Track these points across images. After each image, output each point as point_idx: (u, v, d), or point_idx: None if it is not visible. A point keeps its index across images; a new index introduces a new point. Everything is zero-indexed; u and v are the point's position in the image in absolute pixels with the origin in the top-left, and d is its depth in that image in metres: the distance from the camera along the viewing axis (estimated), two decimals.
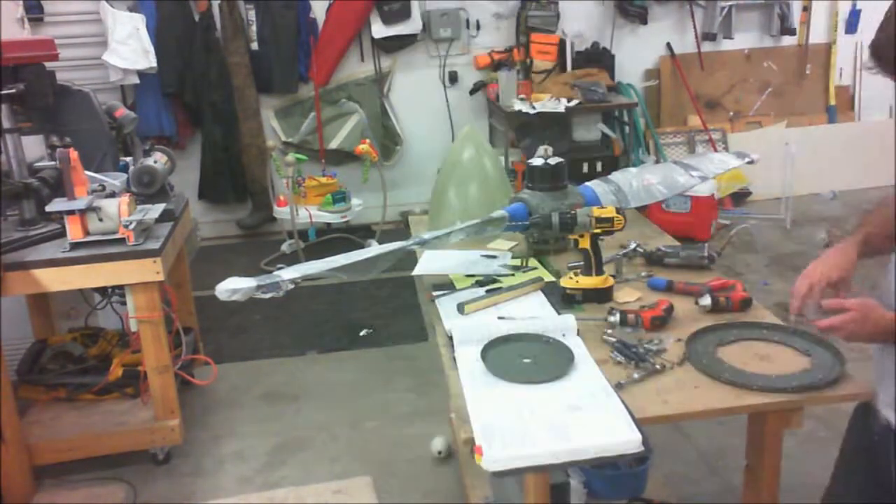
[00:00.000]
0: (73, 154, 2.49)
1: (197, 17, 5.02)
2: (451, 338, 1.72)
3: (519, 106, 4.88)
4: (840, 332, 1.42)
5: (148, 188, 2.87)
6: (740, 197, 5.61)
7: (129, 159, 2.99)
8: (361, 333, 3.95)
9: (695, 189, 2.68)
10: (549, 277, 2.03)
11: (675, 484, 2.61)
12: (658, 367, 1.58)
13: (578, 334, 1.72)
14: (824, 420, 2.83)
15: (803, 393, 1.48)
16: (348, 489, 2.68)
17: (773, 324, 1.75)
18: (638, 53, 5.71)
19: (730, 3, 5.65)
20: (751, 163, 2.33)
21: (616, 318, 1.76)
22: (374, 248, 1.86)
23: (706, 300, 1.82)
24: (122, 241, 2.56)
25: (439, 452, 2.82)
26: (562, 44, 5.33)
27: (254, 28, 5.14)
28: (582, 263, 1.91)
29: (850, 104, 6.09)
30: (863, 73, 5.99)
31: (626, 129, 5.50)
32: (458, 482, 2.66)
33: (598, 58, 5.42)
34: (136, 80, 4.90)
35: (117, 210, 2.54)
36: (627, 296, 1.92)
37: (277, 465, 2.89)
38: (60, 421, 2.84)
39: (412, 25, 5.26)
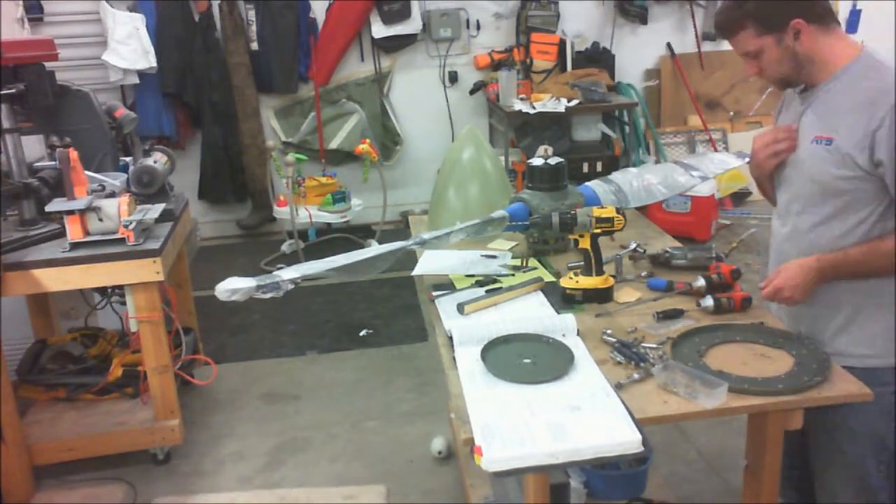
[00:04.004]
0: (73, 154, 2.49)
1: (197, 17, 5.03)
2: (451, 338, 1.72)
3: (519, 106, 4.88)
4: (783, 294, 1.69)
5: (148, 188, 2.87)
6: (740, 197, 5.60)
7: (129, 159, 2.99)
8: (361, 333, 3.95)
9: (695, 189, 2.68)
10: (549, 277, 2.03)
11: (675, 484, 2.61)
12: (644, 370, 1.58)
13: (578, 334, 1.72)
14: None
15: (790, 394, 1.48)
16: (359, 496, 2.66)
17: (758, 325, 1.75)
18: (638, 53, 5.71)
19: None
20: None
21: (710, 303, 1.80)
22: (374, 248, 1.86)
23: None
24: (122, 241, 2.56)
25: (439, 452, 2.82)
26: (562, 44, 5.33)
27: (254, 28, 5.15)
28: (582, 263, 1.91)
29: None
30: None
31: (627, 129, 5.50)
32: (458, 482, 2.66)
33: (598, 58, 5.42)
34: (136, 80, 4.90)
35: (117, 210, 2.54)
36: (627, 296, 1.92)
37: (277, 465, 2.89)
38: (60, 421, 2.84)
39: (412, 25, 5.26)
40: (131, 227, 2.53)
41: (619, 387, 1.51)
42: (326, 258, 1.82)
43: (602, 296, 1.90)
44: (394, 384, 3.44)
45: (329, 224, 4.96)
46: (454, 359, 1.66)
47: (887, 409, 1.67)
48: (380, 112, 5.47)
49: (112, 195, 2.66)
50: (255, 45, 5.17)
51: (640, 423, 1.38)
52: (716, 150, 5.62)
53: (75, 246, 2.54)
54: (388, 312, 4.17)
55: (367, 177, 4.86)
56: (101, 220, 2.54)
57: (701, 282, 1.83)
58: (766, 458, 1.61)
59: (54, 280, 2.53)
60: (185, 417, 2.90)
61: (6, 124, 2.66)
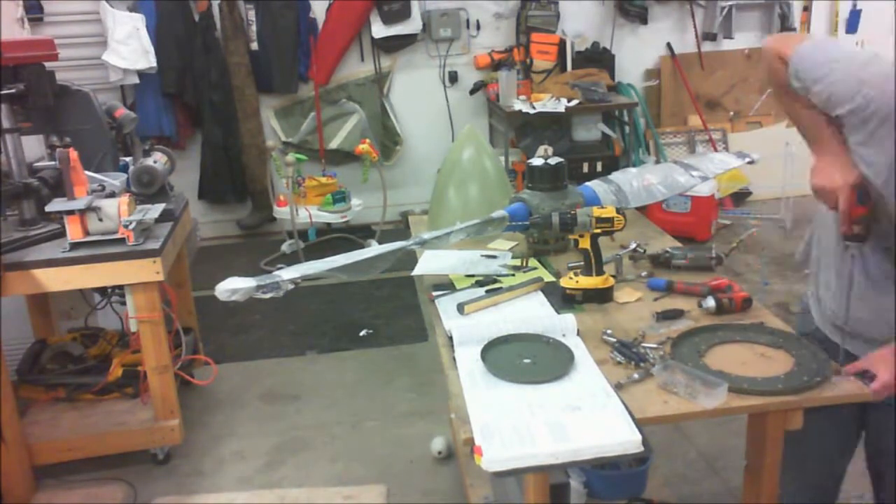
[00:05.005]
0: (73, 154, 2.49)
1: (197, 17, 5.03)
2: (451, 338, 1.72)
3: (519, 106, 4.88)
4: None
5: (148, 188, 2.87)
6: (740, 197, 5.61)
7: (129, 159, 2.99)
8: (361, 333, 3.95)
9: (695, 189, 2.68)
10: (549, 277, 2.03)
11: (675, 484, 2.61)
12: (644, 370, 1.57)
13: (578, 334, 1.72)
14: None
15: (791, 394, 1.48)
16: (359, 496, 2.67)
17: (758, 325, 1.74)
18: (638, 53, 5.71)
19: (730, 2, 5.64)
20: (751, 163, 2.32)
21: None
22: (374, 248, 1.86)
23: (709, 302, 1.81)
24: (121, 241, 2.56)
25: (439, 452, 2.82)
26: (562, 44, 5.33)
27: (254, 28, 5.15)
28: (582, 263, 1.91)
29: None
30: None
31: (627, 129, 5.50)
32: (458, 482, 2.66)
33: (598, 58, 5.42)
34: (136, 80, 4.90)
35: (117, 210, 2.54)
36: (627, 296, 1.92)
37: (277, 465, 2.89)
38: (60, 421, 2.84)
39: (412, 25, 5.26)
40: (131, 227, 2.53)
41: (619, 387, 1.51)
42: (326, 258, 1.82)
43: (602, 296, 1.89)
44: (394, 384, 3.44)
45: (329, 224, 4.96)
46: (454, 359, 1.66)
47: None
48: (380, 112, 5.47)
49: (112, 195, 2.66)
50: (255, 45, 5.17)
51: (640, 423, 1.38)
52: (716, 150, 5.62)
53: (75, 246, 2.54)
54: (388, 312, 4.17)
55: (367, 177, 4.86)
56: (101, 220, 2.54)
57: (711, 302, 1.81)
58: (766, 458, 1.60)
59: (54, 280, 2.53)
60: (185, 417, 2.90)
61: (6, 124, 2.66)
